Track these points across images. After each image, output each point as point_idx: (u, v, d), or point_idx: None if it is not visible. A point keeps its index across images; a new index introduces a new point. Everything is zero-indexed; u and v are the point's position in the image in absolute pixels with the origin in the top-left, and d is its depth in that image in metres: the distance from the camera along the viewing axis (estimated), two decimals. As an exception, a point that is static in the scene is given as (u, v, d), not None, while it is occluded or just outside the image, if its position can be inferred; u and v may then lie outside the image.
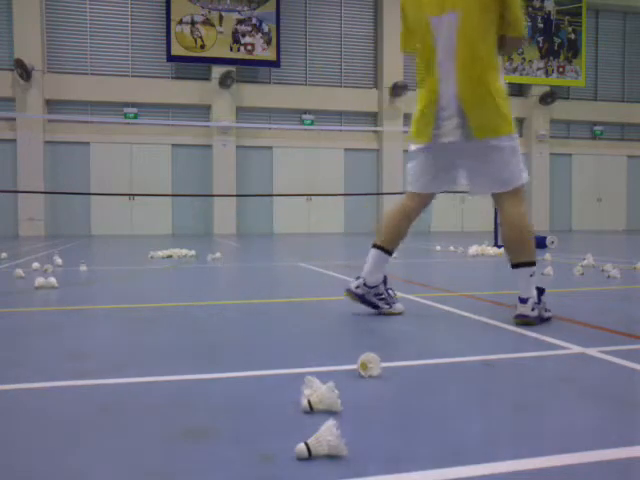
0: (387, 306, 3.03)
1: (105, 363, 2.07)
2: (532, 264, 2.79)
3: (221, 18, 17.78)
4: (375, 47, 19.22)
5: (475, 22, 2.73)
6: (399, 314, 3.01)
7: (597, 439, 1.34)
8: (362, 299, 3.03)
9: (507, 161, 2.81)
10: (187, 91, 17.73)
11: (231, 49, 17.81)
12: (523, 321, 2.70)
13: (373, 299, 3.04)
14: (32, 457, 1.26)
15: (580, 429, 1.41)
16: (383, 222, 3.11)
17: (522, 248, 2.78)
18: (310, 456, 1.22)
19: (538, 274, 4.83)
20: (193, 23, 17.53)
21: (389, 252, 3.07)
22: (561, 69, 20.57)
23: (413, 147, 3.07)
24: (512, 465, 1.19)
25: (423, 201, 3.09)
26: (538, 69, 20.39)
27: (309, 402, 1.51)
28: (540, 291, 2.81)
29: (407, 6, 2.95)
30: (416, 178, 3.06)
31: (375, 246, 3.07)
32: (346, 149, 19.02)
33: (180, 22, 17.42)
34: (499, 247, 8.06)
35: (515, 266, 2.81)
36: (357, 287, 3.05)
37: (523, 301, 2.72)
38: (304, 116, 18.63)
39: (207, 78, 17.86)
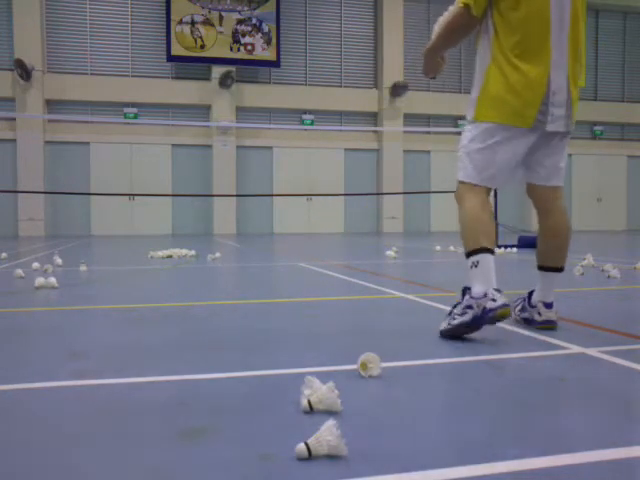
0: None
1: (105, 363, 2.07)
2: (563, 269, 2.68)
3: (221, 18, 17.78)
4: (375, 47, 19.22)
5: (581, 12, 2.57)
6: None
7: (597, 439, 1.34)
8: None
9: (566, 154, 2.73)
10: (187, 91, 17.73)
11: (231, 49, 17.81)
12: (552, 326, 2.61)
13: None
14: (32, 457, 1.26)
15: (580, 429, 1.41)
16: (475, 224, 2.53)
17: (566, 250, 2.67)
18: (310, 456, 1.22)
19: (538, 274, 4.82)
20: (193, 23, 17.53)
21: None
22: (561, 69, 20.56)
23: (490, 127, 2.55)
24: (512, 465, 1.19)
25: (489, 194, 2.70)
26: (538, 69, 20.38)
27: (309, 402, 1.51)
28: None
29: None
30: (494, 170, 2.58)
31: (485, 250, 2.48)
32: (346, 149, 19.02)
33: (180, 22, 17.42)
34: (499, 247, 8.06)
35: (560, 270, 2.66)
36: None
37: (552, 305, 2.63)
38: (304, 116, 18.63)
39: (207, 78, 17.86)
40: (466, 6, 2.48)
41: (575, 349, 2.22)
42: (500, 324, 2.69)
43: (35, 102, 16.51)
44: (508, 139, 2.53)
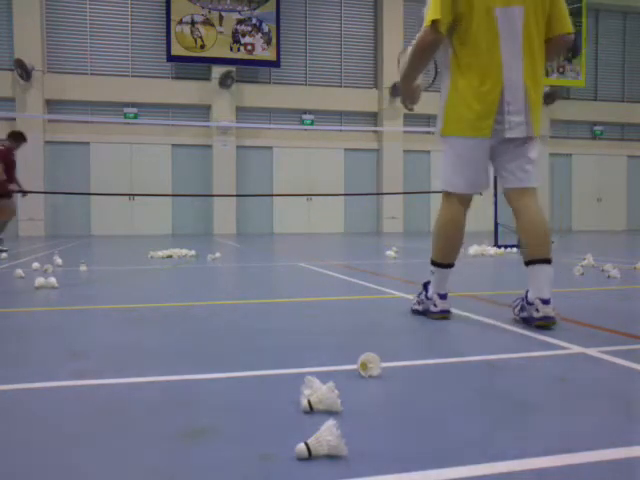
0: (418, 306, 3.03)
1: (105, 363, 2.07)
2: (550, 262, 2.72)
3: (221, 18, 17.78)
4: (375, 47, 19.22)
5: (539, 19, 2.75)
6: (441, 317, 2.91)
7: (597, 439, 1.34)
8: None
9: (538, 158, 2.88)
10: (187, 91, 17.73)
11: (231, 49, 17.81)
12: (550, 323, 2.61)
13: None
14: (32, 457, 1.26)
15: (580, 429, 1.41)
16: (442, 240, 2.92)
17: (545, 242, 2.74)
18: (310, 456, 1.22)
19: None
20: (193, 23, 17.52)
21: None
22: (561, 69, 20.56)
23: (455, 141, 2.83)
24: (512, 465, 1.19)
25: (469, 203, 2.95)
26: (538, 69, 20.37)
27: (309, 402, 1.51)
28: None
29: None
30: (463, 179, 2.85)
31: (443, 266, 2.91)
32: (346, 149, 19.01)
33: (180, 22, 17.41)
34: (499, 247, 8.07)
35: (544, 262, 2.69)
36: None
37: (549, 301, 2.63)
38: (304, 116, 18.63)
39: (207, 78, 17.86)
40: (433, 23, 2.68)
41: (575, 349, 2.22)
42: (500, 324, 2.74)
43: (35, 102, 16.51)
44: (472, 149, 2.80)
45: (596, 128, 21.41)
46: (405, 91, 2.99)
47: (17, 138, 9.34)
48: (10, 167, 9.12)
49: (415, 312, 3.02)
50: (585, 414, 1.53)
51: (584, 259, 5.77)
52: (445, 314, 2.88)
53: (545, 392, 1.71)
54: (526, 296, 2.73)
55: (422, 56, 2.80)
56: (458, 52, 2.78)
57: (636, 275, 5.01)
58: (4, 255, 7.26)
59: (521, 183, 2.83)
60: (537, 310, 2.62)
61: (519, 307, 2.79)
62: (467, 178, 2.84)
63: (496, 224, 8.77)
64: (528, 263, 2.73)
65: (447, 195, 2.90)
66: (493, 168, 2.92)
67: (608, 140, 21.63)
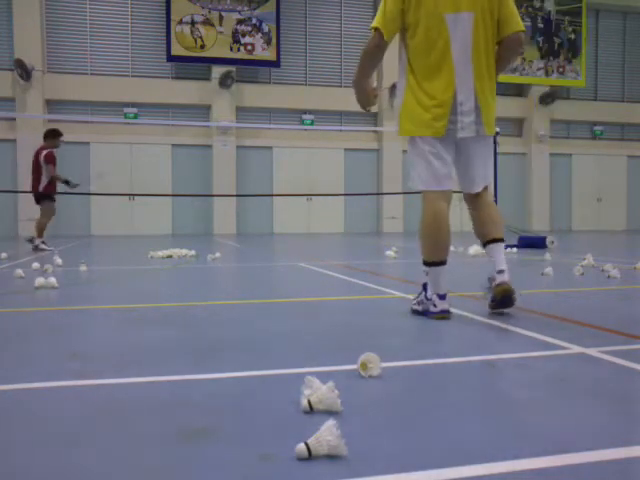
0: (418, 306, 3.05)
1: (105, 363, 2.07)
2: (503, 240, 3.03)
3: (221, 18, 17.77)
4: (375, 47, 19.20)
5: (487, 23, 2.90)
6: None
7: (597, 439, 1.34)
8: None
9: (492, 157, 3.13)
10: (187, 91, 17.73)
11: (231, 49, 17.81)
12: (506, 287, 2.86)
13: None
14: (32, 457, 1.26)
15: (580, 429, 1.41)
16: (429, 239, 2.98)
17: (501, 227, 3.05)
18: (310, 456, 1.22)
19: (538, 274, 4.83)
20: (193, 23, 17.52)
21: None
22: (561, 69, 20.56)
23: (416, 141, 2.98)
24: (512, 465, 1.19)
25: (449, 199, 3.04)
26: (538, 69, 20.39)
27: (309, 402, 1.51)
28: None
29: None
30: (431, 175, 2.97)
31: (434, 264, 2.96)
32: (346, 149, 19.01)
33: (180, 22, 17.41)
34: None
35: (500, 240, 2.99)
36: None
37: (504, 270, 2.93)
38: (304, 116, 18.63)
39: (207, 78, 17.86)
40: (376, 30, 2.89)
41: (575, 349, 2.22)
42: (500, 324, 2.75)
43: (35, 102, 16.51)
44: (431, 147, 2.94)
45: (596, 128, 21.40)
46: (358, 93, 3.09)
47: (52, 136, 9.36)
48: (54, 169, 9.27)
49: (415, 312, 3.04)
50: (585, 414, 1.53)
51: (584, 259, 5.76)
52: (445, 314, 2.89)
53: (545, 392, 1.71)
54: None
55: (369, 59, 3.00)
56: (411, 56, 2.94)
57: (636, 275, 5.01)
58: (4, 255, 7.26)
59: (472, 187, 3.06)
60: (494, 280, 2.95)
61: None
62: (433, 174, 2.96)
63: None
64: (486, 243, 3.03)
65: (425, 194, 3.01)
66: (457, 170, 3.08)
67: (608, 140, 21.63)
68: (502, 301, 2.88)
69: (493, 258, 2.97)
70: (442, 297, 2.90)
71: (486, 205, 3.07)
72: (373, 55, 2.97)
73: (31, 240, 9.17)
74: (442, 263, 2.94)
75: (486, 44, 2.91)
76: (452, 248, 8.64)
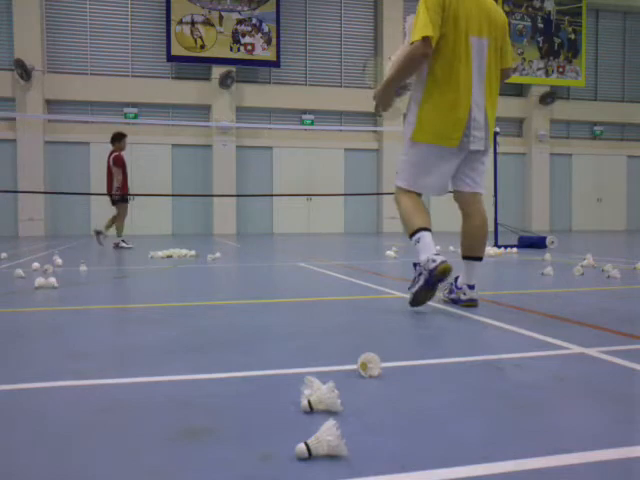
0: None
1: (105, 363, 2.07)
2: (482, 259, 3.32)
3: (221, 18, 17.78)
4: (375, 47, 19.22)
5: (497, 51, 3.20)
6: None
7: (597, 439, 1.34)
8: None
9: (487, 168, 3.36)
10: (187, 91, 17.73)
11: (231, 49, 17.82)
12: (474, 304, 3.18)
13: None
14: (32, 457, 1.26)
15: (580, 429, 1.41)
16: (409, 215, 3.20)
17: (483, 245, 3.29)
18: (310, 456, 1.22)
19: (538, 274, 4.83)
20: (193, 23, 17.53)
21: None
22: (561, 69, 20.57)
23: (425, 147, 3.16)
24: (512, 465, 1.19)
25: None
26: (538, 69, 20.40)
27: (309, 402, 1.51)
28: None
29: (454, 14, 3.04)
30: (428, 181, 3.22)
31: (422, 229, 3.13)
32: (346, 149, 19.02)
33: (180, 22, 17.42)
34: (499, 247, 8.07)
35: (481, 259, 3.27)
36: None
37: (474, 287, 3.23)
38: (304, 116, 18.63)
39: (207, 78, 17.86)
40: (426, 39, 2.97)
41: (575, 349, 2.22)
42: (500, 324, 2.74)
43: (35, 102, 16.51)
44: (440, 157, 3.14)
45: (596, 128, 21.41)
46: (383, 98, 3.25)
47: (117, 139, 9.83)
48: (125, 171, 9.77)
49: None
50: (585, 414, 1.53)
51: (584, 259, 5.76)
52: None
53: (545, 392, 1.71)
54: (455, 281, 3.28)
55: (409, 68, 3.09)
56: (437, 67, 3.09)
57: (636, 275, 5.01)
58: (4, 255, 7.26)
59: (474, 188, 3.26)
60: (464, 294, 3.20)
61: (448, 290, 3.31)
62: (430, 181, 3.20)
63: (496, 224, 8.77)
64: (466, 258, 3.27)
65: (407, 191, 3.24)
66: (454, 175, 3.27)
67: (608, 140, 21.64)
68: (467, 307, 3.19)
69: (468, 273, 3.24)
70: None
71: (477, 215, 3.27)
72: (418, 64, 3.06)
73: (99, 233, 9.70)
74: (426, 229, 3.09)
75: (496, 69, 3.20)
76: (452, 248, 8.66)
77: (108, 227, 9.75)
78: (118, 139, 9.71)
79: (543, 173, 20.53)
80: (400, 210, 3.24)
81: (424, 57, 3.02)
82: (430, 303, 3.41)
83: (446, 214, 19.87)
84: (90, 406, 1.60)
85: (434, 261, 2.96)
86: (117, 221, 9.78)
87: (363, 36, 19.21)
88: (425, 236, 3.07)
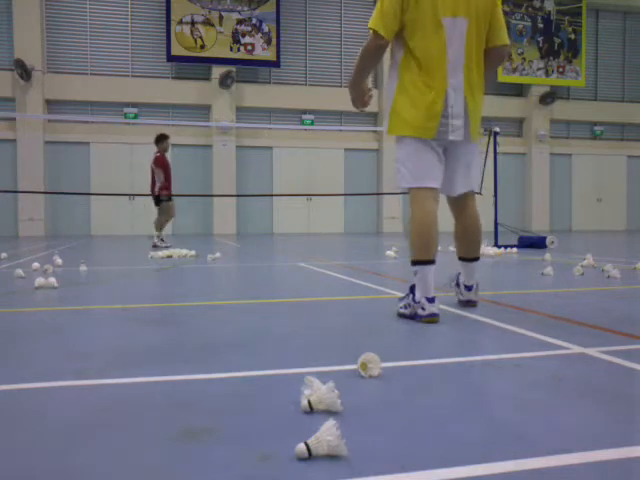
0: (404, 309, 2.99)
1: (105, 363, 2.07)
2: (479, 259, 3.22)
3: (221, 18, 17.78)
4: (375, 47, 19.20)
5: (480, 30, 2.93)
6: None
7: (597, 439, 1.34)
8: None
9: (479, 164, 3.15)
10: (187, 91, 17.73)
11: (231, 49, 17.81)
12: (472, 305, 3.17)
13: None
14: (32, 457, 1.26)
15: (580, 429, 1.41)
16: (420, 237, 2.94)
17: (479, 245, 3.18)
18: (310, 456, 1.22)
19: (538, 274, 4.83)
20: (193, 23, 17.53)
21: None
22: (561, 69, 20.57)
23: (408, 141, 2.94)
24: (512, 465, 1.19)
25: (437, 197, 3.02)
26: (538, 69, 20.40)
27: (309, 402, 1.51)
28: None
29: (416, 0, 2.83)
30: (424, 173, 2.94)
31: (424, 262, 2.92)
32: (346, 149, 19.02)
33: (180, 22, 17.42)
34: (499, 247, 8.07)
35: (477, 259, 3.17)
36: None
37: (472, 288, 3.19)
38: (304, 116, 18.63)
39: (207, 78, 17.86)
40: (375, 32, 2.84)
41: (575, 349, 2.22)
42: (500, 324, 2.75)
43: (35, 102, 16.51)
44: (421, 147, 2.92)
45: (596, 128, 21.41)
46: (355, 94, 3.11)
47: (160, 140, 9.88)
48: (169, 171, 9.80)
49: (402, 316, 2.95)
50: (585, 414, 1.53)
51: (584, 259, 5.76)
52: (434, 317, 2.81)
53: (544, 392, 1.71)
54: (458, 278, 3.26)
55: (369, 60, 2.96)
56: (407, 55, 2.91)
57: (636, 275, 5.01)
58: (4, 255, 7.26)
59: (463, 188, 3.06)
60: (462, 294, 3.20)
61: (455, 282, 3.28)
62: (425, 171, 2.94)
63: (496, 224, 8.77)
64: (462, 259, 3.19)
65: (413, 193, 2.98)
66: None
67: (608, 140, 21.64)
68: (464, 305, 3.20)
69: (466, 273, 3.18)
70: (431, 300, 2.83)
71: (468, 216, 3.12)
72: (374, 55, 2.93)
73: (155, 246, 9.75)
74: (431, 262, 2.90)
75: (477, 51, 2.95)
76: (451, 248, 8.67)
77: (159, 229, 9.84)
78: (160, 140, 9.79)
79: (543, 173, 20.53)
80: (412, 222, 2.96)
81: (379, 49, 2.88)
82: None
83: (448, 213, 19.85)
84: (90, 406, 1.60)
85: (423, 309, 2.80)
86: (159, 218, 9.81)
87: (363, 36, 19.19)
88: (425, 271, 2.87)
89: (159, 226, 9.78)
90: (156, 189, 9.69)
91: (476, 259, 3.17)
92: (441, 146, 2.96)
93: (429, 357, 2.15)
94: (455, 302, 3.34)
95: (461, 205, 3.13)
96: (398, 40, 2.95)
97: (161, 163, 9.64)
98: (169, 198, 9.84)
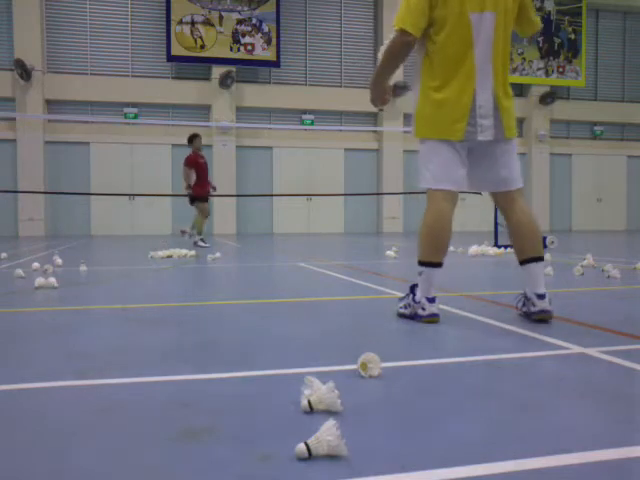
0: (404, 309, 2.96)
1: (105, 363, 2.07)
2: (543, 259, 2.92)
3: (221, 18, 17.77)
4: (375, 47, 19.20)
5: (508, 24, 2.84)
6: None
7: (597, 439, 1.34)
8: None
9: (517, 159, 2.97)
10: (187, 91, 17.73)
11: (231, 49, 17.81)
12: (548, 316, 2.78)
13: None
14: (32, 457, 1.26)
15: (580, 429, 1.41)
16: (431, 238, 2.86)
17: (539, 242, 2.91)
18: (310, 456, 1.22)
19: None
20: (193, 23, 17.52)
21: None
22: (561, 69, 20.57)
23: (432, 143, 2.87)
24: (512, 465, 1.19)
25: (454, 201, 2.93)
26: (538, 69, 20.40)
27: (309, 402, 1.51)
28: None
29: None
30: (448, 174, 2.86)
31: (431, 265, 2.85)
32: (346, 149, 19.02)
33: (180, 22, 17.41)
34: (499, 247, 8.07)
35: (539, 259, 2.87)
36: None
37: (545, 295, 2.81)
38: (304, 116, 18.63)
39: (207, 78, 17.86)
40: (402, 30, 2.74)
41: (575, 349, 2.22)
42: (500, 324, 2.76)
43: (35, 102, 16.51)
44: (444, 149, 2.83)
45: (596, 128, 21.40)
46: (375, 92, 3.03)
47: (191, 140, 9.99)
48: (201, 170, 9.80)
49: (402, 316, 2.93)
50: (585, 414, 1.53)
51: (584, 259, 5.76)
52: (434, 317, 2.80)
53: (545, 392, 1.71)
54: (525, 292, 2.89)
55: (395, 58, 2.86)
56: (432, 55, 2.84)
57: (636, 275, 5.01)
58: (4, 255, 7.26)
59: (506, 186, 2.92)
60: (534, 305, 2.80)
61: (521, 303, 2.93)
62: (448, 174, 2.86)
63: (496, 224, 8.77)
64: (523, 262, 2.91)
65: (431, 193, 2.89)
66: (475, 173, 2.96)
67: (608, 140, 21.63)
68: (540, 321, 2.81)
69: (531, 279, 2.87)
70: (431, 300, 2.81)
71: (519, 211, 2.92)
72: (400, 54, 2.83)
73: (184, 232, 10.01)
74: (438, 265, 2.84)
75: (504, 46, 2.84)
76: (452, 248, 8.66)
77: (193, 228, 9.90)
78: (191, 140, 9.89)
79: (543, 173, 20.53)
80: (425, 222, 2.87)
81: (406, 47, 2.79)
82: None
83: (456, 214, 19.79)
84: (90, 406, 1.60)
85: (424, 309, 2.79)
86: (197, 219, 9.87)
87: (363, 36, 19.21)
88: (430, 274, 2.82)
89: (199, 226, 9.83)
90: (183, 188, 9.80)
91: (540, 259, 2.89)
92: (465, 148, 2.87)
93: (429, 357, 2.15)
94: (455, 302, 3.34)
95: (508, 201, 2.95)
96: (425, 38, 2.85)
97: (190, 162, 9.67)
98: (205, 198, 9.90)
